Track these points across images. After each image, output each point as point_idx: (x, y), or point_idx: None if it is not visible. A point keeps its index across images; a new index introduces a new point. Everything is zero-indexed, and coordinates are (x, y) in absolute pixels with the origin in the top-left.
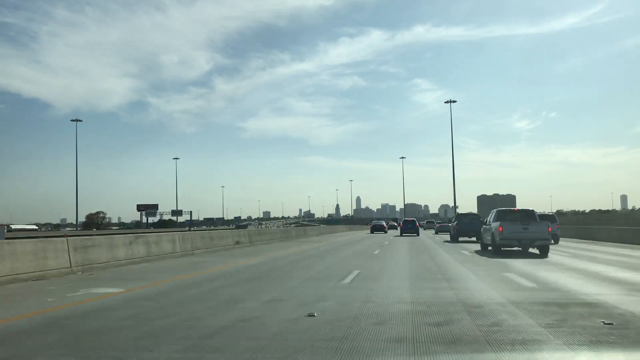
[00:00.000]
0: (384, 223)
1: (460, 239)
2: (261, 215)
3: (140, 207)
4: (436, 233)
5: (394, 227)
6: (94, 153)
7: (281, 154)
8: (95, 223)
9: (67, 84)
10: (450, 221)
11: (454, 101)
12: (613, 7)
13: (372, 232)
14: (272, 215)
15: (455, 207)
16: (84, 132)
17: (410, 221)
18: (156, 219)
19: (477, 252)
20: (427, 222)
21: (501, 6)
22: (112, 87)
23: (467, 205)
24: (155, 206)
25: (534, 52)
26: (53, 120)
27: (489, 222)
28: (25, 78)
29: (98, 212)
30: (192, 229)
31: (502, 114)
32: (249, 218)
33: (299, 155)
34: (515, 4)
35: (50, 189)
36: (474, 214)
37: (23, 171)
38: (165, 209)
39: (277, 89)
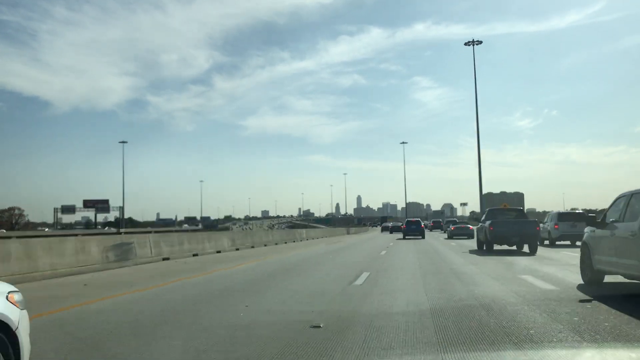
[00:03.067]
0: (396, 224)
1: (495, 247)
2: (259, 215)
3: (87, 203)
4: (450, 237)
5: (387, 229)
6: (89, 151)
7: (281, 153)
8: (8, 222)
9: (66, 82)
10: (475, 220)
11: (479, 42)
12: (614, 5)
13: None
14: (270, 214)
15: (481, 201)
16: (83, 130)
17: (414, 222)
18: (75, 215)
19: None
20: (446, 221)
21: (502, 4)
22: (112, 85)
23: (472, 204)
24: (106, 202)
25: (535, 50)
26: (53, 118)
27: (620, 218)
28: (25, 76)
29: (11, 209)
30: (120, 231)
31: (503, 113)
32: (247, 217)
33: (299, 154)
34: (516, 1)
35: (43, 186)
36: (516, 210)
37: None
38: (159, 209)
39: (276, 87)
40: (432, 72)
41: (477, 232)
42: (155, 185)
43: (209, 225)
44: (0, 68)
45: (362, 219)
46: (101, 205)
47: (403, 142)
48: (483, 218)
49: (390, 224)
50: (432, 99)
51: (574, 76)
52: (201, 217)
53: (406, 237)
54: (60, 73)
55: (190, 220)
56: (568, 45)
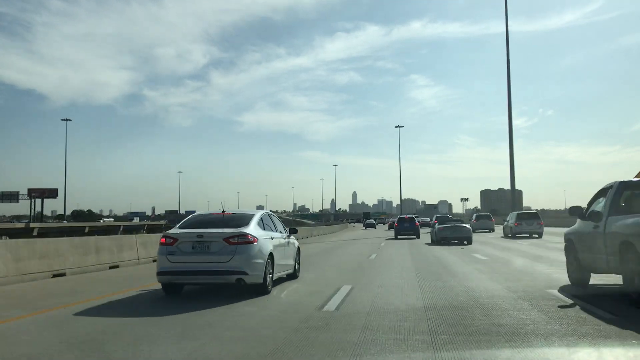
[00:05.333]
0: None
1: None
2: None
3: (32, 192)
4: (437, 241)
5: (371, 225)
6: (85, 145)
7: (277, 149)
8: None
9: (62, 75)
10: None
11: None
12: (611, 5)
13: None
14: (265, 209)
15: (513, 188)
16: (79, 123)
17: (407, 219)
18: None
19: None
20: (478, 215)
21: (498, 2)
22: (108, 79)
23: (473, 200)
24: (54, 190)
25: (531, 49)
26: (49, 112)
27: None
28: (20, 69)
29: None
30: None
31: (499, 111)
32: None
33: (295, 149)
34: (513, 0)
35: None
36: None
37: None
38: (154, 203)
39: (273, 84)
40: (429, 70)
41: (578, 245)
42: (147, 179)
43: (178, 220)
44: None
45: (339, 216)
46: (49, 195)
47: (398, 126)
48: (606, 209)
49: (373, 220)
50: (428, 97)
51: (570, 76)
52: (187, 211)
53: (398, 237)
54: (55, 66)
55: (171, 213)
56: (564, 45)
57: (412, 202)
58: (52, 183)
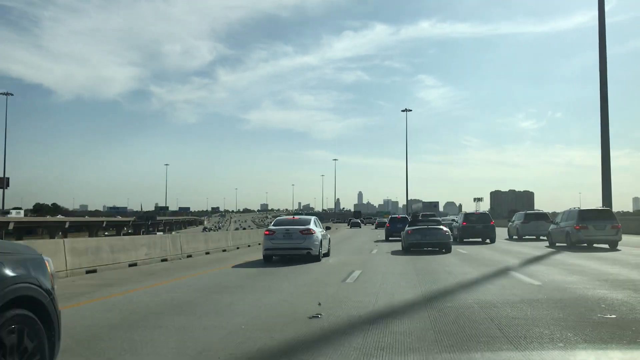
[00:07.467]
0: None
1: None
2: (258, 207)
3: None
4: (406, 248)
5: (357, 225)
6: (87, 140)
7: (283, 147)
8: None
9: (69, 70)
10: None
11: None
12: (622, 7)
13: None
14: (269, 208)
15: (607, 169)
16: (83, 118)
17: (400, 219)
18: None
19: None
20: (528, 214)
21: (508, 3)
22: (114, 75)
23: (487, 201)
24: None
25: (541, 50)
26: (54, 106)
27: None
28: (27, 63)
29: None
30: None
31: (507, 113)
32: (241, 210)
33: (301, 148)
34: (522, 1)
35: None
36: None
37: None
38: (157, 199)
39: (279, 82)
40: (437, 71)
41: None
42: (147, 175)
43: (148, 217)
44: (2, 54)
45: (322, 215)
46: None
47: (406, 110)
48: None
49: (360, 220)
50: (436, 98)
51: (579, 78)
52: (181, 208)
53: (390, 238)
54: (62, 61)
55: (161, 209)
56: (574, 47)
57: (418, 202)
58: (43, 175)
